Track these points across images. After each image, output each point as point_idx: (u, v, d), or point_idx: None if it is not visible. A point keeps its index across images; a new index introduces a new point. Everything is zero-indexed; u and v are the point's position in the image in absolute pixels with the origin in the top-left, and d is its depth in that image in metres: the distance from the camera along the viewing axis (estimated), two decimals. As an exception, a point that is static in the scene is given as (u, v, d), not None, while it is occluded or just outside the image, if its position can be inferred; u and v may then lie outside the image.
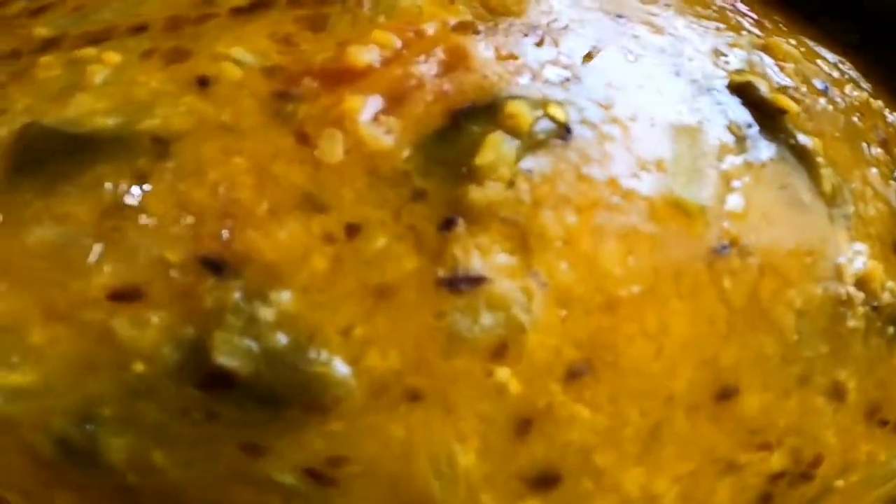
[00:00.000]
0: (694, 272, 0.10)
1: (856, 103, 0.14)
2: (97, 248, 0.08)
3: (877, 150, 0.14)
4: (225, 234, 0.08)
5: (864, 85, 0.16)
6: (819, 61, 0.15)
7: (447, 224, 0.09)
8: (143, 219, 0.08)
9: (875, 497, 0.15)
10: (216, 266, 0.08)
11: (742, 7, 0.16)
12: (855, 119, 0.14)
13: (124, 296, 0.08)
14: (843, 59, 0.16)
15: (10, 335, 0.08)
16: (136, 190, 0.08)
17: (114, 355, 0.08)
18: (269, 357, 0.08)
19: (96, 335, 0.08)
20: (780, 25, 0.16)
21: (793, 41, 0.15)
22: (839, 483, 0.13)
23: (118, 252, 0.08)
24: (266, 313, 0.08)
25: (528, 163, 0.09)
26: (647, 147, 0.10)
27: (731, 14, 0.15)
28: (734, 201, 0.11)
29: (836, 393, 0.12)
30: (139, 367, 0.08)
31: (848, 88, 0.15)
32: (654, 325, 0.10)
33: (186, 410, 0.08)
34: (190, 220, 0.08)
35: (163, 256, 0.08)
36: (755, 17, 0.15)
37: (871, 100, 0.15)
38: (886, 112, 0.16)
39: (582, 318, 0.09)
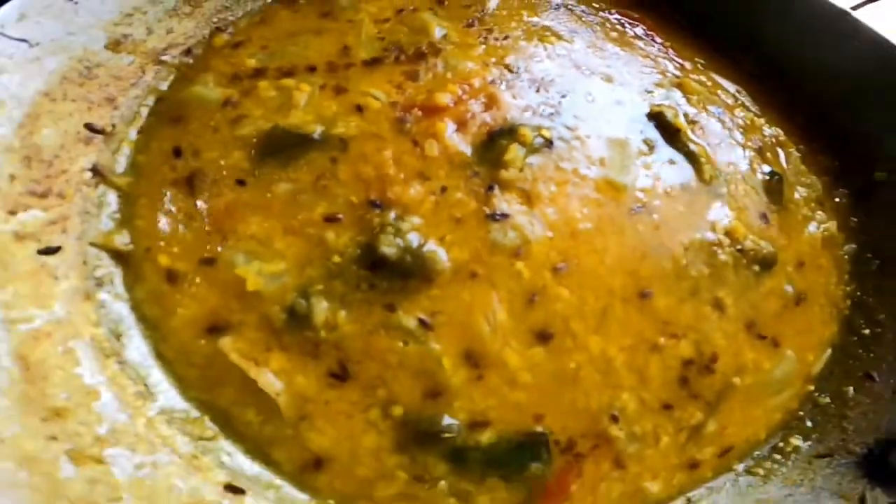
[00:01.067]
0: (621, 220, 0.18)
1: (741, 122, 0.23)
2: (313, 196, 0.16)
3: (750, 154, 0.22)
4: (382, 189, 0.16)
5: (753, 108, 0.24)
6: (720, 91, 0.23)
7: (490, 188, 0.17)
8: (338, 180, 0.16)
9: (773, 405, 0.21)
10: (378, 204, 0.16)
11: (672, 53, 0.24)
12: (738, 133, 0.22)
13: (331, 219, 0.16)
14: (741, 88, 0.24)
15: (266, 243, 0.16)
16: (332, 165, 0.16)
17: (323, 252, 0.16)
18: (407, 249, 0.16)
19: (315, 242, 0.16)
20: (698, 65, 0.24)
21: (703, 77, 0.23)
22: (736, 380, 0.20)
23: (327, 196, 0.16)
24: (406, 226, 0.16)
25: (531, 160, 0.18)
26: (596, 152, 0.18)
27: (661, 59, 0.23)
28: (645, 183, 0.19)
29: (718, 305, 0.20)
30: (336, 258, 0.16)
31: (738, 111, 0.23)
32: (600, 247, 0.18)
33: (359, 284, 0.16)
34: (363, 181, 0.16)
35: (350, 199, 0.16)
36: (680, 61, 0.24)
37: (755, 118, 0.23)
38: (766, 127, 0.24)
39: (560, 239, 0.17)
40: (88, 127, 0.15)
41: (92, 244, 0.14)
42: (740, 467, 0.19)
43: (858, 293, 0.22)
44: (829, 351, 0.21)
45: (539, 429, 0.16)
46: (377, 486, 0.15)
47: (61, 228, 0.14)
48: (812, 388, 0.20)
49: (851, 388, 0.20)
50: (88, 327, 0.13)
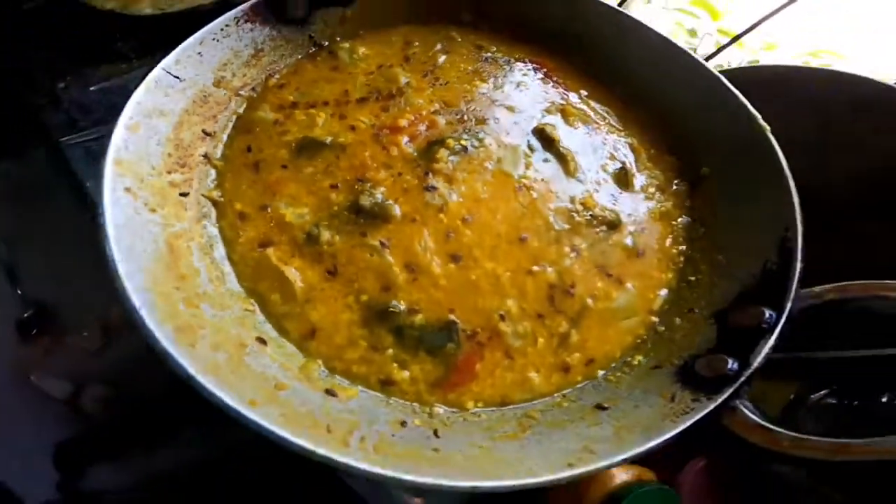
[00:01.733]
0: (508, 194, 0.29)
1: (604, 134, 0.34)
2: (325, 175, 0.28)
3: (607, 156, 0.33)
4: (364, 172, 0.28)
5: (617, 124, 0.35)
6: (593, 113, 0.35)
7: (426, 174, 0.28)
8: (339, 167, 0.28)
9: (623, 329, 0.30)
10: (361, 180, 0.27)
11: (562, 88, 0.36)
12: (601, 140, 0.34)
13: (334, 187, 0.27)
14: (609, 110, 0.36)
15: (297, 198, 0.28)
16: (336, 159, 0.28)
17: (328, 204, 0.28)
18: (376, 203, 0.27)
19: (324, 198, 0.28)
20: (581, 94, 0.36)
21: (582, 104, 0.35)
22: (590, 303, 0.30)
23: (333, 176, 0.28)
24: (377, 192, 0.27)
25: (452, 158, 0.29)
26: (495, 154, 0.30)
27: (552, 92, 0.35)
28: (530, 173, 0.30)
29: (575, 250, 0.30)
30: (335, 208, 0.28)
31: (603, 127, 0.34)
32: (493, 208, 0.29)
33: (347, 221, 0.27)
34: (353, 168, 0.28)
35: (346, 177, 0.28)
36: (566, 92, 0.35)
37: (617, 131, 0.35)
38: (623, 137, 0.35)
39: (467, 202, 0.28)
40: (203, 131, 0.27)
41: (202, 195, 0.27)
42: (600, 375, 0.28)
43: (689, 252, 0.32)
44: (666, 291, 0.31)
45: (452, 318, 0.26)
46: (347, 350, 0.26)
47: (189, 184, 0.26)
48: (654, 319, 0.30)
49: (678, 319, 0.30)
50: (198, 237, 0.25)
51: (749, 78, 0.40)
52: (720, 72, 0.36)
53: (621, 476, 0.35)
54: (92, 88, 0.46)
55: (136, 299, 0.20)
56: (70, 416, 0.54)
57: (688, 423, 0.22)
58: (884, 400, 0.33)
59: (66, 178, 0.43)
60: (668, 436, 0.22)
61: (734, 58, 0.80)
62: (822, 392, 0.36)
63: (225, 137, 0.28)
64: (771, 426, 0.23)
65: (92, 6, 0.49)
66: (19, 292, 0.58)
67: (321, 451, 0.18)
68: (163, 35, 0.50)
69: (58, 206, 0.65)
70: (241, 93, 0.30)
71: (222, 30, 0.29)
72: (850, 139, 0.40)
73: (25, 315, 0.57)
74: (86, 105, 0.44)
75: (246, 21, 0.30)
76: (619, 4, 0.56)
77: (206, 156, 0.27)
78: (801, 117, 0.39)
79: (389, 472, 0.18)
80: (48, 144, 0.43)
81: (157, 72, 0.26)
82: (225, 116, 0.29)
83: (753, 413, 0.24)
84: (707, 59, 0.39)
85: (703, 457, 0.36)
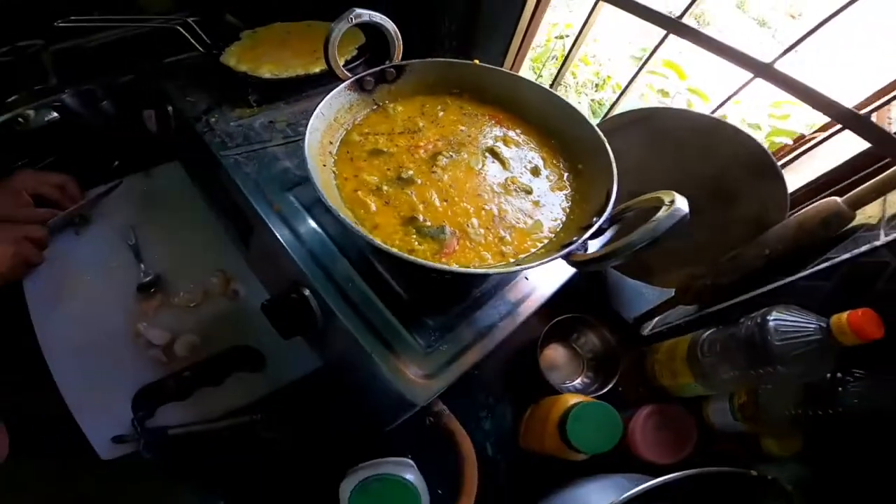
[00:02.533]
0: (472, 180, 0.59)
1: (527, 151, 0.64)
2: (383, 167, 0.57)
3: (527, 161, 0.63)
4: (403, 165, 0.57)
5: (535, 146, 0.65)
6: (523, 141, 0.65)
7: (432, 166, 0.58)
8: (391, 164, 0.58)
9: (535, 237, 0.61)
10: (401, 168, 0.57)
11: (504, 128, 0.66)
12: (524, 154, 0.63)
13: (389, 171, 0.57)
14: (530, 139, 0.66)
15: (371, 174, 0.57)
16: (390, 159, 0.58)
17: (387, 177, 0.56)
18: (407, 177, 0.56)
19: (384, 174, 0.57)
20: (516, 131, 0.67)
21: (515, 136, 0.66)
22: (515, 224, 0.59)
23: (389, 166, 0.57)
24: (408, 172, 0.56)
25: (443, 161, 0.59)
26: (466, 159, 0.60)
27: (498, 130, 0.66)
28: (484, 169, 0.60)
29: (507, 202, 0.60)
30: (389, 178, 0.57)
31: (526, 147, 0.64)
32: (462, 187, 0.58)
33: (394, 184, 0.56)
34: (397, 164, 0.57)
35: (395, 167, 0.57)
36: (506, 131, 0.66)
37: (534, 151, 0.65)
38: (537, 152, 0.64)
39: (448, 183, 0.58)
40: (329, 142, 0.55)
41: (332, 169, 0.54)
42: (521, 258, 0.50)
43: (570, 203, 0.60)
44: (558, 221, 0.58)
45: (444, 224, 0.52)
46: (392, 236, 0.47)
47: (325, 162, 0.56)
48: (550, 234, 0.58)
49: (563, 233, 0.60)
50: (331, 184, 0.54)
51: (632, 115, 0.72)
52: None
53: (575, 400, 0.61)
54: (231, 123, 0.76)
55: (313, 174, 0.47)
56: (159, 363, 0.70)
57: (560, 254, 0.44)
58: (741, 321, 0.56)
59: (216, 177, 0.71)
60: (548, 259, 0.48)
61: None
62: (711, 330, 0.63)
63: (338, 145, 0.58)
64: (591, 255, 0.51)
65: (230, 68, 0.77)
66: (141, 265, 0.84)
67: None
68: (277, 92, 0.83)
69: (172, 204, 0.94)
70: (345, 126, 0.59)
71: (338, 93, 0.59)
72: (695, 155, 0.66)
73: (145, 280, 0.83)
74: (229, 133, 0.74)
75: (346, 90, 0.59)
76: (551, 84, 0.90)
77: (330, 152, 0.56)
78: (659, 138, 0.70)
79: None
80: (209, 157, 0.72)
81: (316, 110, 0.55)
82: (339, 135, 0.57)
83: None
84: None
85: (651, 406, 0.63)
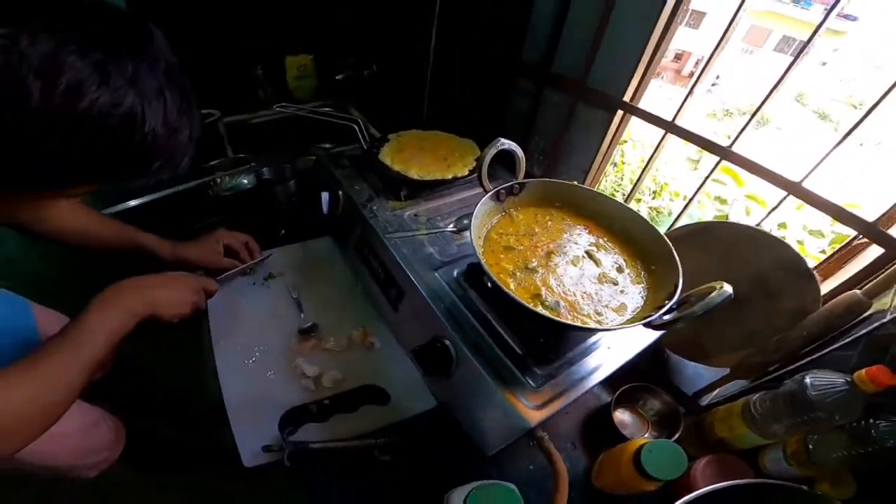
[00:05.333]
0: (576, 269, 0.90)
1: (614, 255, 0.94)
2: (518, 257, 0.90)
3: (612, 261, 0.93)
4: (530, 256, 0.89)
5: (618, 251, 0.94)
6: (608, 246, 0.96)
7: (548, 260, 0.90)
8: (521, 256, 0.90)
9: (624, 312, 0.89)
10: (532, 234, 0.89)
11: (594, 235, 0.98)
12: (611, 256, 0.92)
13: (525, 261, 0.89)
14: (615, 246, 0.97)
15: (507, 263, 0.89)
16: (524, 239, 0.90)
17: (517, 264, 0.88)
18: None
19: (518, 263, 0.89)
20: (604, 239, 0.98)
21: (604, 243, 0.97)
22: (608, 302, 0.89)
23: (521, 258, 0.89)
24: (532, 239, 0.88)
25: (557, 260, 0.91)
26: (571, 258, 0.91)
27: (592, 237, 0.97)
28: (582, 264, 0.91)
29: (601, 287, 0.89)
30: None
31: (612, 252, 0.95)
32: (571, 272, 0.89)
33: (524, 269, 0.88)
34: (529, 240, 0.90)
35: (524, 244, 0.89)
36: (597, 238, 0.98)
37: (618, 255, 0.94)
38: (620, 255, 0.94)
39: (563, 270, 0.89)
40: (478, 237, 0.90)
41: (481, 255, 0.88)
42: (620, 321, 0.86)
43: (646, 293, 0.90)
44: (638, 303, 0.89)
45: (559, 300, 0.84)
46: (522, 282, 0.84)
47: (481, 250, 0.88)
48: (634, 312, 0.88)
49: (642, 312, 0.89)
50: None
51: (693, 227, 1.02)
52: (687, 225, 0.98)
53: (645, 441, 0.86)
54: (388, 212, 1.12)
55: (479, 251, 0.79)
56: (307, 391, 0.91)
57: (642, 323, 0.73)
58: (784, 382, 0.78)
59: (378, 254, 1.06)
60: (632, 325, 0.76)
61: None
62: (761, 392, 0.87)
63: (483, 241, 0.90)
64: (665, 320, 0.80)
65: (388, 167, 1.11)
66: (301, 315, 1.17)
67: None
68: (420, 190, 1.21)
69: (325, 270, 1.29)
70: (486, 227, 0.92)
71: (483, 203, 0.83)
72: (745, 259, 0.95)
73: (304, 327, 1.15)
74: (388, 220, 1.08)
75: (489, 199, 0.85)
76: (626, 199, 1.23)
77: (479, 245, 0.89)
78: (715, 245, 0.99)
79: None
80: (376, 237, 1.06)
81: (473, 218, 0.89)
82: (483, 233, 0.88)
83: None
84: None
85: (709, 456, 0.88)
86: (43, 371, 0.55)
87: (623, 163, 2.08)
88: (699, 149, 1.04)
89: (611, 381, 0.80)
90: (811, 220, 1.51)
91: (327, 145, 1.38)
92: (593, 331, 0.77)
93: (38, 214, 0.76)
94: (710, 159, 1.02)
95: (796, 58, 0.82)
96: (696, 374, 1.02)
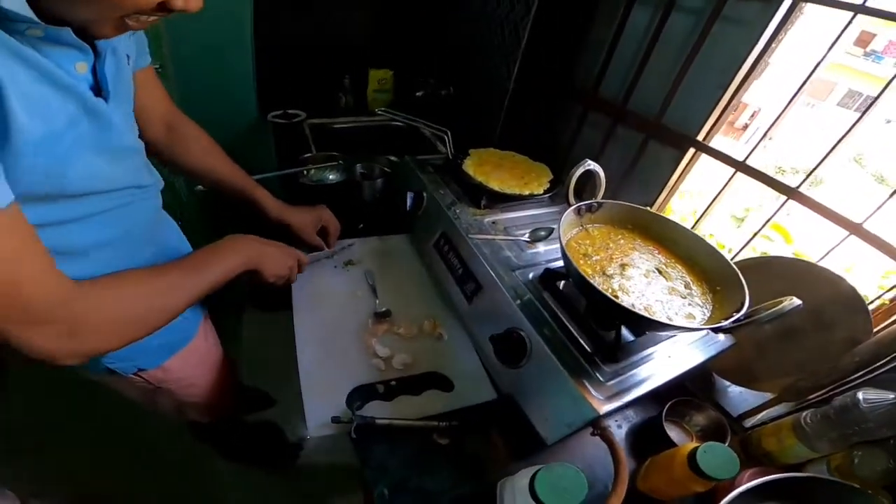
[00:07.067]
0: (647, 281, 1.04)
1: (680, 273, 1.08)
2: (597, 266, 1.04)
3: (678, 278, 1.06)
4: (607, 266, 1.03)
5: (684, 271, 1.09)
6: (676, 265, 1.10)
7: (622, 271, 1.04)
8: (598, 265, 1.04)
9: (693, 317, 1.02)
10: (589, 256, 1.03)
11: (663, 256, 1.12)
12: (679, 274, 1.07)
13: (602, 268, 1.03)
14: (680, 266, 1.10)
15: (587, 268, 1.04)
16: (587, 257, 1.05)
17: (596, 269, 1.02)
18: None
19: (597, 269, 1.03)
20: (670, 261, 1.12)
21: (671, 262, 1.10)
22: (678, 309, 1.02)
23: (599, 266, 1.04)
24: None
25: (631, 272, 1.06)
26: (643, 272, 1.05)
27: (661, 257, 1.11)
28: (652, 277, 1.05)
29: (672, 298, 1.02)
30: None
31: (678, 271, 1.08)
32: (643, 283, 1.03)
33: (602, 273, 1.02)
34: (601, 253, 1.04)
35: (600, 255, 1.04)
36: (665, 258, 1.11)
37: (684, 273, 1.09)
38: (686, 275, 1.08)
39: (637, 280, 1.03)
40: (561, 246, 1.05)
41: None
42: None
43: (713, 306, 1.03)
44: (706, 312, 1.02)
45: (634, 303, 0.98)
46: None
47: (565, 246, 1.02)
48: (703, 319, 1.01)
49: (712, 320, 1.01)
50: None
51: (755, 260, 1.15)
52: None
53: (693, 444, 0.98)
54: (469, 217, 1.22)
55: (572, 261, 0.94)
56: (377, 370, 0.99)
57: (711, 328, 0.86)
58: (835, 399, 0.87)
59: (459, 251, 1.21)
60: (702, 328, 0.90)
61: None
62: (812, 409, 0.96)
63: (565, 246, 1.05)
64: (732, 324, 0.92)
65: (471, 176, 1.29)
66: (376, 300, 1.31)
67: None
68: (498, 201, 1.37)
69: (399, 263, 1.45)
70: (566, 236, 1.06)
71: (567, 215, 1.01)
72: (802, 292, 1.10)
73: (379, 311, 1.29)
74: (470, 223, 1.24)
75: (571, 213, 1.01)
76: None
77: (561, 246, 1.03)
78: (775, 279, 1.11)
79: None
80: (459, 236, 1.22)
81: (559, 225, 1.03)
82: (565, 239, 1.04)
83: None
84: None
85: (755, 468, 0.98)
86: (163, 279, 0.66)
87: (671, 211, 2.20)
88: (746, 207, 1.17)
89: (657, 396, 0.88)
90: (859, 283, 1.58)
91: (394, 156, 1.56)
92: (669, 327, 0.89)
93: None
94: (756, 217, 1.14)
95: (863, 114, 0.94)
96: (742, 398, 1.11)
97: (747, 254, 1.25)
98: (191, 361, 0.97)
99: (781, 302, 0.76)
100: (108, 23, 0.48)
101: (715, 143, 1.19)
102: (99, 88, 0.58)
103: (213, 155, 1.00)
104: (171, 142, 0.92)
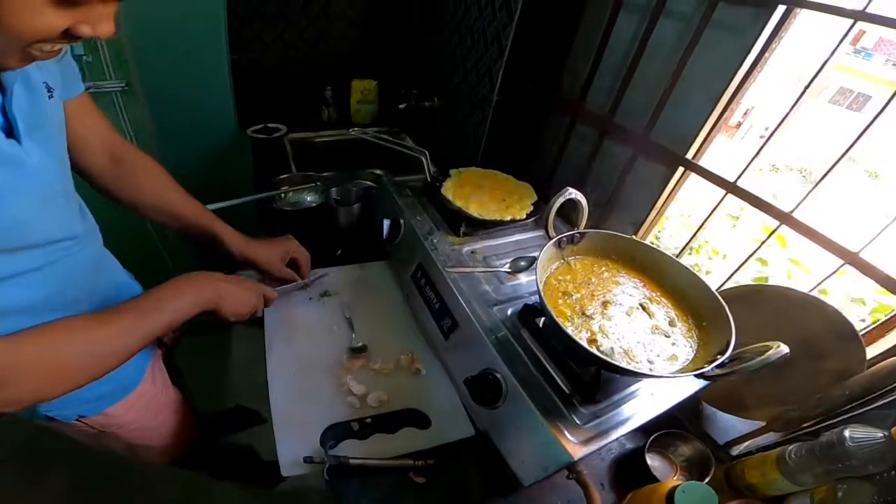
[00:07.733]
0: (628, 319, 1.00)
1: (666, 308, 1.04)
2: (575, 306, 1.01)
3: (663, 315, 1.02)
4: (587, 304, 1.00)
5: (670, 305, 1.05)
6: (661, 300, 1.06)
7: (603, 309, 1.01)
8: (578, 303, 1.01)
9: (675, 362, 0.99)
10: (585, 283, 1.00)
11: (649, 289, 1.09)
12: (663, 309, 1.03)
13: (582, 307, 0.99)
14: (666, 301, 1.07)
15: (565, 308, 1.00)
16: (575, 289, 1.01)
17: (573, 310, 0.99)
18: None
19: (576, 309, 1.00)
20: (658, 294, 1.08)
21: (656, 297, 1.07)
22: (659, 354, 0.98)
23: (578, 305, 1.00)
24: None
25: (613, 310, 1.02)
26: (625, 309, 1.01)
27: (646, 290, 1.07)
28: (635, 315, 1.01)
29: (654, 338, 0.99)
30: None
31: (663, 306, 1.05)
32: (625, 322, 0.99)
33: (581, 314, 0.99)
34: (584, 284, 1.01)
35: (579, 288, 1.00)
36: (650, 291, 1.08)
37: (669, 309, 1.05)
38: (672, 310, 1.04)
39: (617, 319, 0.99)
40: (538, 282, 1.02)
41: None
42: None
43: (698, 346, 1.00)
44: (689, 355, 0.98)
45: (613, 346, 0.94)
46: (573, 318, 0.95)
47: (541, 289, 0.99)
48: (685, 362, 0.98)
49: (693, 364, 0.98)
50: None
51: (744, 288, 1.11)
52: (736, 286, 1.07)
53: (677, 483, 0.95)
54: (447, 247, 1.19)
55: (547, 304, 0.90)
56: (352, 408, 0.96)
57: (693, 374, 0.82)
58: (822, 435, 0.84)
59: (435, 285, 1.18)
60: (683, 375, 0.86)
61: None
62: (797, 443, 0.93)
63: (543, 285, 1.00)
64: (717, 372, 0.88)
65: (449, 201, 1.23)
66: (353, 334, 1.28)
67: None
68: (478, 228, 1.33)
69: (378, 294, 1.41)
70: (546, 272, 1.03)
71: (546, 249, 1.00)
72: (793, 321, 1.00)
73: (355, 346, 1.26)
74: (447, 254, 1.17)
75: (551, 246, 0.98)
76: (678, 255, 1.33)
77: (540, 289, 0.99)
78: (763, 306, 1.07)
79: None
80: (436, 269, 1.19)
81: (538, 262, 0.99)
82: (543, 278, 1.00)
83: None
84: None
85: (738, 500, 0.96)
86: (107, 327, 0.62)
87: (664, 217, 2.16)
88: (741, 207, 1.13)
89: (644, 427, 0.85)
90: (854, 287, 1.56)
91: (378, 171, 1.52)
92: (647, 376, 0.86)
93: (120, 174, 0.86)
94: (750, 214, 1.10)
95: (872, 121, 0.87)
96: (730, 425, 1.08)
97: (735, 264, 1.22)
98: (136, 406, 0.93)
99: (768, 349, 0.72)
100: (10, 54, 0.45)
101: (709, 147, 1.14)
102: (11, 128, 0.54)
103: (168, 188, 0.93)
104: (118, 174, 0.85)
